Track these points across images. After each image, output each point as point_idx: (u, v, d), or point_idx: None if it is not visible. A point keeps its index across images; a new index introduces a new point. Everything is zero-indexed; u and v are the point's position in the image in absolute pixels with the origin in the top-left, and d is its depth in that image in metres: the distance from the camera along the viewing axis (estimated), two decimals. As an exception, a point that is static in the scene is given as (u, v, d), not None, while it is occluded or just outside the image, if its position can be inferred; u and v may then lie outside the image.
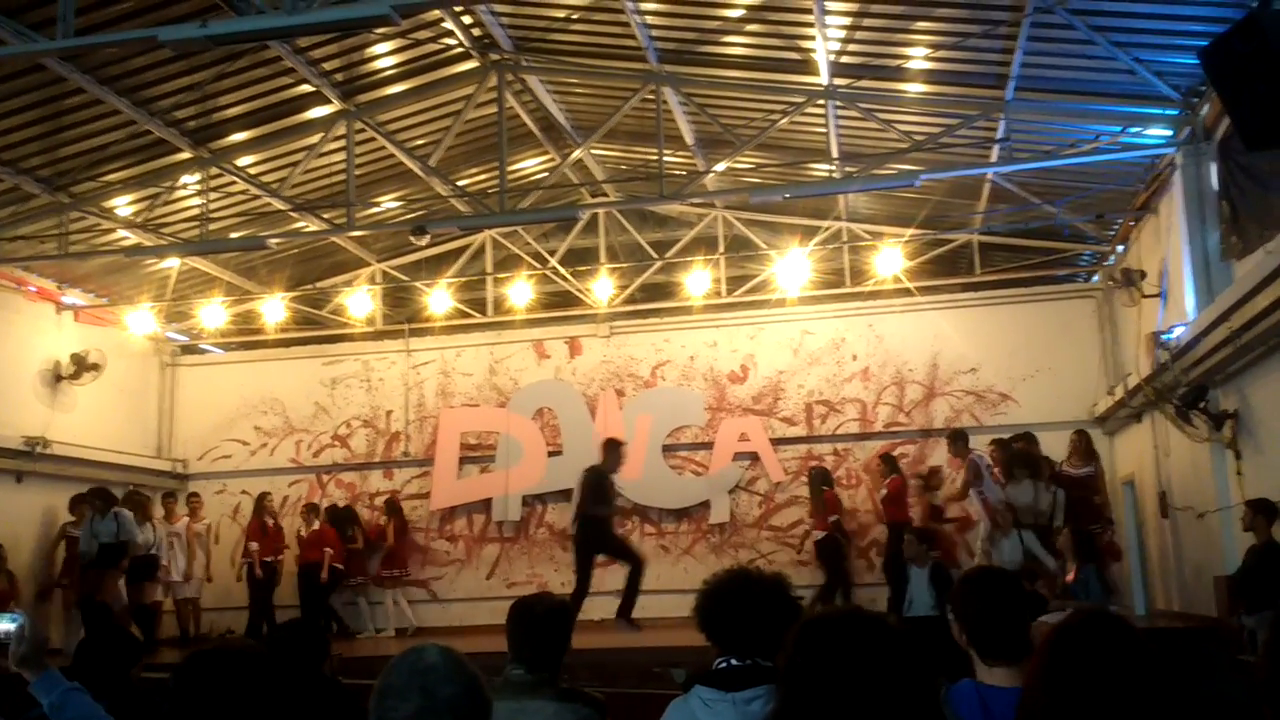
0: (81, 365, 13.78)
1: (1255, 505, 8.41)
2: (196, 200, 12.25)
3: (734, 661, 2.97)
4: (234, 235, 13.06)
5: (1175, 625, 10.79)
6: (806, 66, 10.53)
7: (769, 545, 14.15)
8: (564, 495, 14.69)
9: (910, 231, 13.54)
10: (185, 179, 12.01)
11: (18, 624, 3.26)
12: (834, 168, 11.85)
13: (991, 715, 2.72)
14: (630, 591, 11.26)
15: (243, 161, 12.16)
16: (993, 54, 9.80)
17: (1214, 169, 9.88)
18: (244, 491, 15.18)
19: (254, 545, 13.46)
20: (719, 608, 3.07)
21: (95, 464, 14.10)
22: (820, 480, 13.01)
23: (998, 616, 2.85)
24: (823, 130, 11.68)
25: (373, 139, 12.14)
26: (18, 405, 13.13)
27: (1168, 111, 10.12)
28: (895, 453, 13.64)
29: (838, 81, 10.54)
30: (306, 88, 11.01)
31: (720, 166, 12.21)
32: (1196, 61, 7.39)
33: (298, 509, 14.80)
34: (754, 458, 14.45)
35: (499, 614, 3.70)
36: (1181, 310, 10.35)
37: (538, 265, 15.14)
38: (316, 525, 13.76)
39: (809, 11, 9.40)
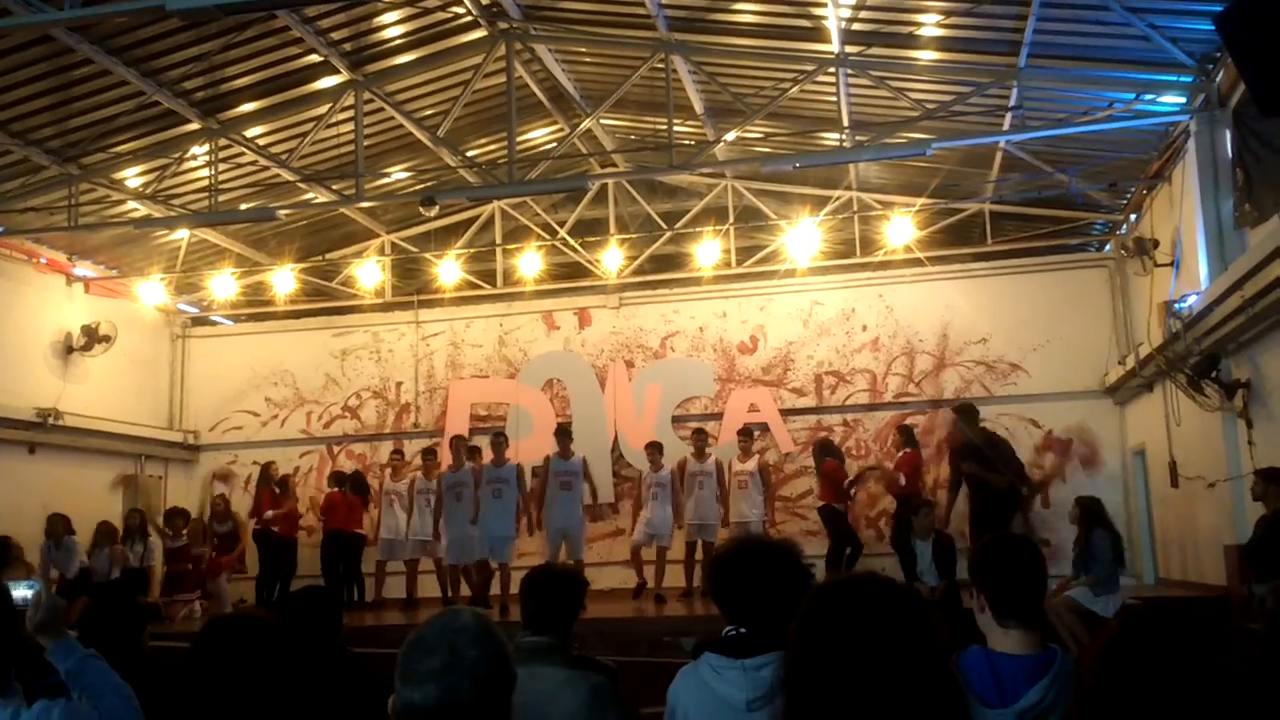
0: (92, 337, 13.84)
1: (1266, 474, 8.39)
2: (205, 171, 12.23)
3: (743, 629, 2.98)
4: (243, 206, 13.06)
5: (1185, 595, 10.81)
6: (817, 34, 10.45)
7: (779, 515, 14.11)
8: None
9: (921, 201, 13.48)
10: (194, 150, 12.00)
11: (35, 591, 3.29)
12: (845, 136, 11.76)
13: (1002, 682, 2.73)
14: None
15: (251, 132, 12.14)
16: (1006, 20, 9.70)
17: (1228, 136, 9.79)
18: (255, 462, 15.27)
19: (269, 514, 13.49)
20: (729, 575, 3.07)
21: (107, 435, 14.20)
22: (822, 452, 13.03)
23: (1017, 579, 2.88)
24: (833, 99, 11.59)
25: (381, 109, 12.09)
26: (29, 377, 13.20)
27: (1182, 78, 10.02)
28: (905, 423, 13.63)
29: (849, 49, 10.45)
30: (315, 58, 10.97)
31: (730, 136, 12.14)
32: (1211, 27, 7.32)
33: (308, 479, 15.01)
34: (763, 428, 14.46)
35: (508, 584, 3.72)
36: (1194, 279, 10.30)
37: (547, 236, 15.12)
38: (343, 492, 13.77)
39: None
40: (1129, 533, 12.67)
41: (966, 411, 11.67)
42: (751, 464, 12.71)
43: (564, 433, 12.27)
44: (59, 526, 11.97)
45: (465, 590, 12.16)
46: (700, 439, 12.77)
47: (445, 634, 2.01)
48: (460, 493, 11.90)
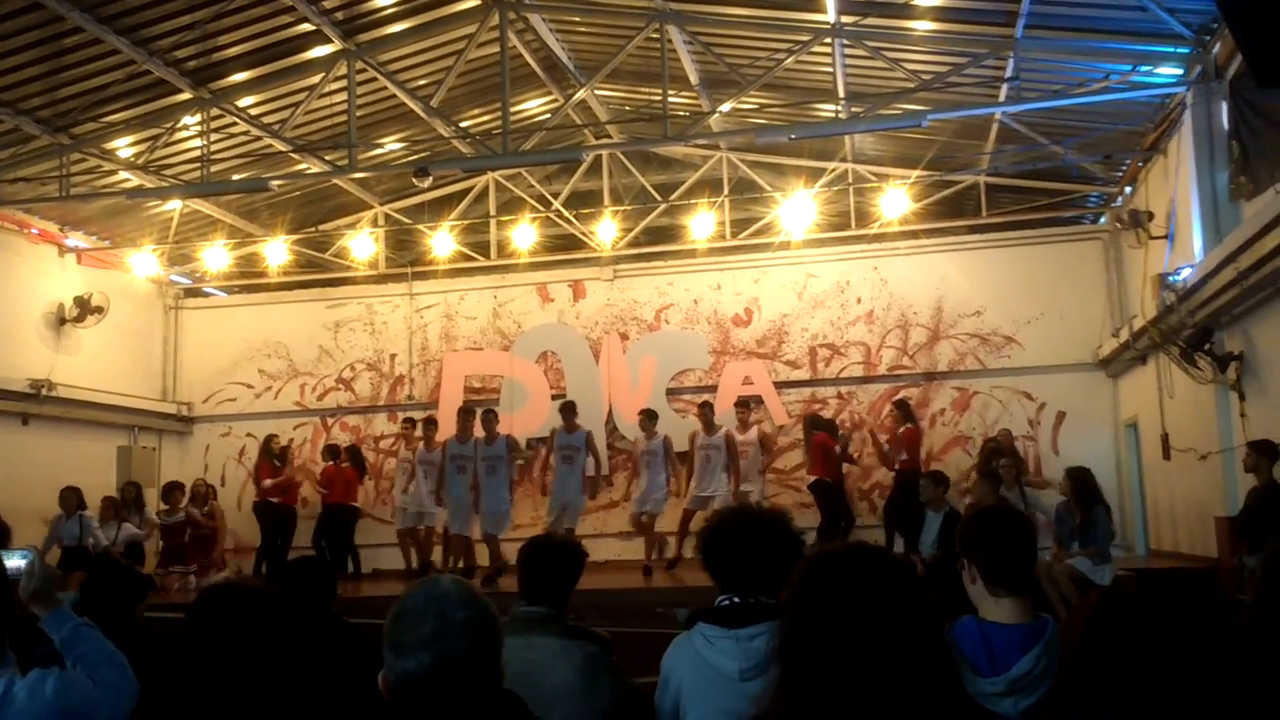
0: (85, 308, 13.79)
1: (1257, 446, 8.40)
2: (197, 141, 12.16)
3: (736, 599, 2.99)
4: (236, 177, 12.97)
5: (1176, 566, 10.87)
6: (813, 4, 10.38)
7: (772, 488, 14.16)
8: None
9: (916, 173, 13.45)
10: (186, 120, 11.91)
11: (28, 560, 3.29)
12: (840, 108, 11.71)
13: (994, 651, 2.75)
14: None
15: (243, 102, 12.05)
16: (1003, -10, 9.65)
17: (1225, 108, 9.76)
18: (249, 434, 15.27)
19: (268, 482, 13.44)
20: (722, 545, 3.08)
21: (100, 406, 14.19)
22: (812, 426, 13.03)
23: (1009, 549, 2.90)
24: (829, 69, 11.52)
25: (374, 79, 12.00)
26: (22, 348, 13.17)
27: (1179, 49, 9.98)
28: (898, 396, 13.66)
29: (845, 19, 10.40)
30: (307, 26, 10.87)
31: (725, 107, 12.07)
32: (1210, -2, 7.28)
33: (302, 451, 15.04)
34: (758, 401, 14.47)
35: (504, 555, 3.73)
36: (1189, 251, 10.29)
37: (541, 208, 15.07)
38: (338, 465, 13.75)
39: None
40: (1121, 504, 12.75)
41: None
42: (751, 434, 12.73)
43: (567, 408, 12.48)
44: (72, 500, 11.96)
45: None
46: (707, 412, 12.64)
47: (431, 601, 2.03)
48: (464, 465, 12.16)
